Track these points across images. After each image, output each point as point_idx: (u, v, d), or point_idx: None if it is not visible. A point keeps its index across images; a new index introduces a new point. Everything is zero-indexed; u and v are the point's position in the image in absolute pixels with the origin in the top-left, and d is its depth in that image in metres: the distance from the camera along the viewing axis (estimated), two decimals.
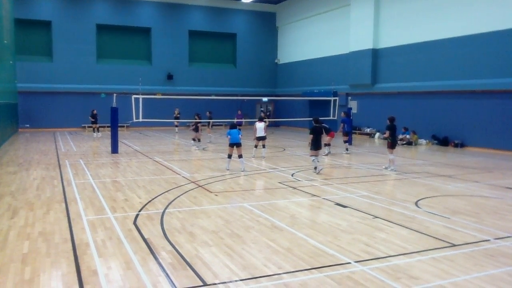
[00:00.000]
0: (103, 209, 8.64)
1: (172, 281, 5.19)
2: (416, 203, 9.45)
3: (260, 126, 16.61)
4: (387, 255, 6.16)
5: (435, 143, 22.33)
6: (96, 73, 31.72)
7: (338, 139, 20.42)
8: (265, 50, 37.27)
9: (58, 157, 16.37)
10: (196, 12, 34.81)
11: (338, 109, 23.98)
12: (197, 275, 5.37)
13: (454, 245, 6.64)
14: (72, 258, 5.94)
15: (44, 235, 6.95)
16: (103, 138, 24.49)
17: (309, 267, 5.67)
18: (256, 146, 17.10)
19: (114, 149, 17.65)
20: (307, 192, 10.49)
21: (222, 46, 36.47)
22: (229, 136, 13.53)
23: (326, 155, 17.43)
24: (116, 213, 8.32)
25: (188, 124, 26.41)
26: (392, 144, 13.97)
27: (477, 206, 9.29)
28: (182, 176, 12.47)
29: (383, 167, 14.37)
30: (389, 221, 7.94)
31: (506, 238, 7.07)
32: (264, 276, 5.37)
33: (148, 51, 33.78)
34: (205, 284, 5.13)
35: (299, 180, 12.07)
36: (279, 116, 35.15)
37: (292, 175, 12.86)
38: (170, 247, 6.40)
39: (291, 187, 11.14)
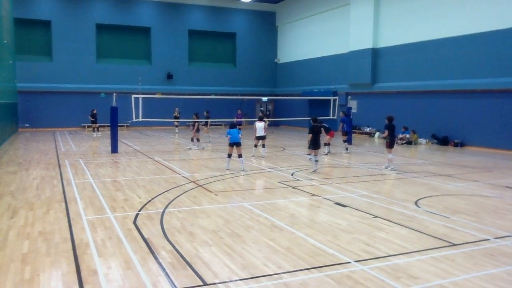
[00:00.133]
0: (103, 209, 8.64)
1: (172, 281, 5.19)
2: (416, 203, 9.45)
3: (260, 125, 16.62)
4: (387, 255, 6.16)
5: (435, 143, 22.33)
6: (96, 72, 31.72)
7: (338, 138, 20.41)
8: (265, 49, 37.26)
9: (58, 157, 16.37)
10: (195, 11, 34.81)
11: (338, 109, 23.98)
12: (197, 275, 5.37)
13: (454, 245, 6.65)
14: (72, 257, 5.94)
15: (44, 234, 6.95)
16: (103, 137, 24.49)
17: (309, 267, 5.67)
18: (256, 146, 17.11)
19: (114, 149, 17.64)
20: (307, 192, 10.49)
21: (222, 45, 36.47)
22: (229, 136, 13.53)
23: (326, 154, 17.42)
24: (116, 213, 8.32)
25: (188, 123, 26.41)
26: (390, 144, 14.01)
27: (477, 206, 9.29)
28: (182, 176, 12.47)
29: (383, 166, 14.37)
30: (389, 221, 7.94)
31: (506, 237, 7.07)
32: (264, 276, 5.37)
33: (147, 50, 33.78)
34: (205, 284, 5.13)
35: (299, 180, 12.07)
36: (279, 116, 35.15)
37: (292, 175, 12.86)
38: (170, 247, 6.40)
39: (291, 186, 11.14)
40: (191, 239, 6.75)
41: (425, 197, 10.01)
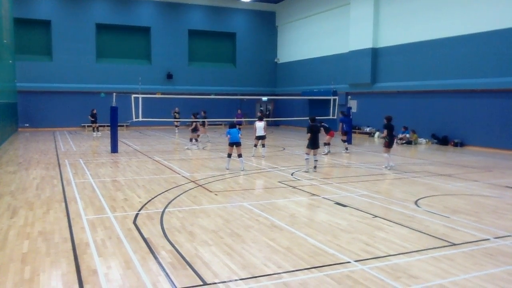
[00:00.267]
0: (102, 209, 8.64)
1: (172, 281, 5.19)
2: (415, 202, 9.45)
3: (260, 125, 16.62)
4: (387, 254, 6.16)
5: (435, 142, 22.33)
6: (96, 72, 31.72)
7: (337, 138, 20.42)
8: (265, 49, 37.25)
9: (57, 157, 16.36)
10: (195, 11, 34.80)
11: (338, 108, 23.98)
12: (197, 275, 5.37)
13: (454, 244, 6.65)
14: (72, 257, 5.94)
15: (43, 234, 6.95)
16: (102, 137, 24.49)
17: (309, 266, 5.67)
18: (256, 146, 17.11)
19: (114, 149, 17.64)
20: (307, 191, 10.49)
21: (222, 45, 36.46)
22: (228, 136, 13.53)
23: (326, 154, 17.42)
24: (115, 213, 8.32)
25: (188, 123, 26.42)
26: (389, 143, 14.05)
27: (476, 205, 9.29)
28: (182, 176, 12.47)
29: (383, 166, 14.37)
30: (388, 220, 7.94)
31: (506, 237, 7.07)
32: (264, 276, 5.37)
33: (147, 50, 33.78)
34: (205, 284, 5.13)
35: (299, 180, 12.07)
36: (279, 116, 35.16)
37: (291, 174, 12.86)
38: (170, 247, 6.40)
39: (290, 186, 11.14)
40: (191, 239, 6.75)
41: (425, 197, 10.01)
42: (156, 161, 15.52)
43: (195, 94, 31.57)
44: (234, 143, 13.46)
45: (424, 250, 6.37)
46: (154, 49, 33.55)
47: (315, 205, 9.26)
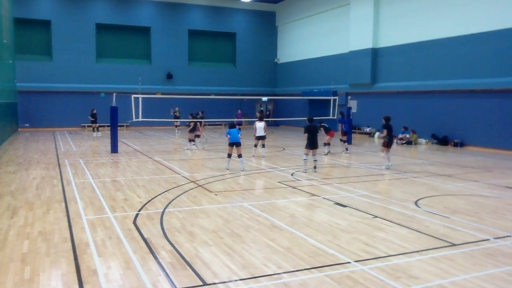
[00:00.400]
0: (102, 209, 8.64)
1: (171, 281, 5.19)
2: (415, 203, 9.45)
3: (260, 125, 16.62)
4: (387, 255, 6.16)
5: (435, 143, 22.33)
6: (96, 72, 31.72)
7: (337, 138, 20.41)
8: (265, 49, 37.25)
9: (57, 157, 16.36)
10: (195, 11, 34.80)
11: (338, 109, 23.98)
12: (196, 275, 5.37)
13: (454, 245, 6.65)
14: (72, 257, 5.94)
15: (43, 234, 6.95)
16: (102, 137, 24.49)
17: (309, 267, 5.67)
18: (255, 146, 17.11)
19: (114, 149, 17.64)
20: (307, 192, 10.49)
21: (222, 45, 36.46)
22: (228, 136, 13.53)
23: (326, 154, 17.43)
24: (115, 213, 8.32)
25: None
26: (388, 143, 14.07)
27: (476, 206, 9.29)
28: (182, 176, 12.47)
29: (383, 167, 14.37)
30: (388, 221, 7.94)
31: (506, 237, 7.07)
32: (264, 276, 5.37)
33: (147, 50, 33.78)
34: (205, 284, 5.13)
35: (299, 180, 12.07)
36: (279, 116, 35.15)
37: (291, 175, 12.86)
38: (169, 247, 6.40)
39: (290, 186, 11.14)
40: (191, 239, 6.75)
41: (425, 197, 10.01)
42: (156, 161, 15.52)
43: (195, 94, 31.58)
44: (234, 143, 13.46)
45: (424, 250, 6.37)
46: (154, 49, 33.55)
47: (315, 205, 9.26)
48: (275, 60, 37.64)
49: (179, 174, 12.82)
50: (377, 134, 25.99)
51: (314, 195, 10.17)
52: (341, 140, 18.85)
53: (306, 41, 33.55)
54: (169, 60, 33.84)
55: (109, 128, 18.37)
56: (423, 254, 6.22)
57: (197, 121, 19.57)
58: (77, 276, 5.32)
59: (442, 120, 22.16)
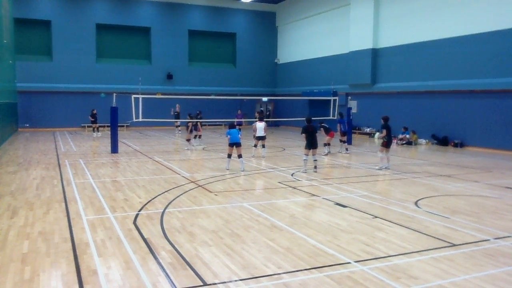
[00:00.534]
0: (102, 209, 8.64)
1: (171, 281, 5.19)
2: (415, 203, 9.45)
3: (260, 125, 16.63)
4: (387, 255, 6.16)
5: (435, 143, 22.33)
6: (96, 72, 31.72)
7: (337, 139, 20.41)
8: (265, 49, 37.25)
9: (57, 157, 16.37)
10: (195, 11, 34.81)
11: (338, 109, 23.97)
12: (197, 275, 5.37)
13: (454, 245, 6.65)
14: (72, 257, 5.94)
15: (43, 234, 6.95)
16: (102, 137, 24.49)
17: (309, 267, 5.67)
18: (255, 146, 17.11)
19: (114, 149, 17.64)
20: (307, 192, 10.49)
21: (222, 45, 36.46)
22: (228, 136, 13.54)
23: (326, 154, 17.43)
24: (116, 213, 8.32)
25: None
26: (387, 143, 14.08)
27: (476, 206, 9.29)
28: (182, 176, 12.48)
29: (383, 167, 14.37)
30: (388, 221, 7.94)
31: (506, 237, 7.07)
32: (264, 276, 5.37)
33: (147, 50, 33.78)
34: (205, 284, 5.13)
35: (299, 180, 12.07)
36: (279, 116, 35.15)
37: (292, 175, 12.86)
38: (170, 247, 6.40)
39: (290, 186, 11.14)
40: (191, 239, 6.75)
41: (425, 198, 10.01)
42: (156, 161, 15.52)
43: (195, 95, 31.57)
44: (234, 144, 13.47)
45: (424, 250, 6.37)
46: (154, 49, 33.55)
47: (315, 205, 9.27)
48: (275, 60, 37.64)
49: (179, 174, 12.82)
50: (377, 134, 25.97)
51: (314, 195, 10.17)
52: (340, 140, 18.86)
53: (306, 41, 33.55)
54: (169, 60, 33.84)
55: (109, 128, 18.37)
56: (423, 254, 6.22)
57: (197, 121, 19.56)
58: (77, 276, 5.32)
59: (442, 121, 22.16)
